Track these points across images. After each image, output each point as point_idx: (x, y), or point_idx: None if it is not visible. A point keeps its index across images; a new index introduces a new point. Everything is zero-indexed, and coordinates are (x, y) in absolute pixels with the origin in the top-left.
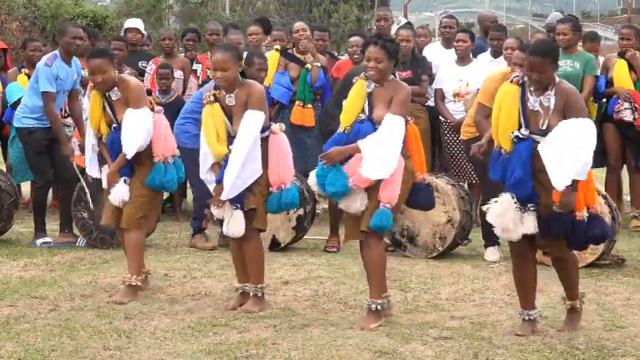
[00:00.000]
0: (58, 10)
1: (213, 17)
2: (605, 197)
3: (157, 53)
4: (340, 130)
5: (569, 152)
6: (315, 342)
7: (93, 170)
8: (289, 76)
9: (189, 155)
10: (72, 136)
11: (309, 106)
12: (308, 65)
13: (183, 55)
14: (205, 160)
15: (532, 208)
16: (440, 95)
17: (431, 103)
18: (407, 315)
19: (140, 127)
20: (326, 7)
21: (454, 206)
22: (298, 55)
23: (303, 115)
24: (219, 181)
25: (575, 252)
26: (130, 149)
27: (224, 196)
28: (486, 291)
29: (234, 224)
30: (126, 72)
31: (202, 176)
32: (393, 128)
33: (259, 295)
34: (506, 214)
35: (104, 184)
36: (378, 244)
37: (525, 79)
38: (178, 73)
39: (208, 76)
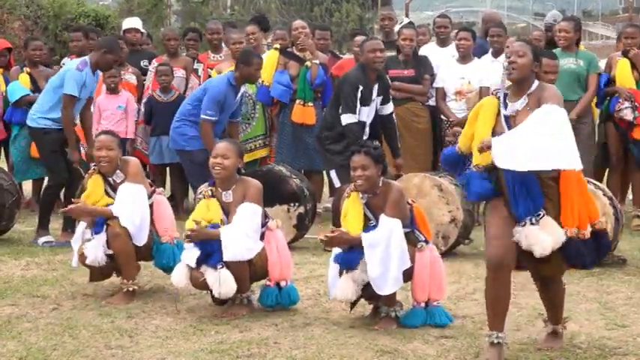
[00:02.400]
0: (61, 9)
1: (215, 16)
2: (610, 199)
3: (158, 52)
4: None
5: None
6: (317, 341)
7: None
8: (289, 74)
9: (188, 157)
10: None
11: (310, 104)
12: (307, 63)
13: (185, 54)
14: None
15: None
16: (441, 94)
17: (432, 102)
18: None
19: (137, 203)
20: (327, 6)
21: (458, 205)
22: (298, 53)
23: (304, 113)
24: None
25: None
26: (123, 218)
27: (226, 257)
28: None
29: (225, 285)
30: (129, 71)
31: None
32: (389, 231)
33: (244, 303)
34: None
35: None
36: None
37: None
38: (181, 72)
39: (209, 76)
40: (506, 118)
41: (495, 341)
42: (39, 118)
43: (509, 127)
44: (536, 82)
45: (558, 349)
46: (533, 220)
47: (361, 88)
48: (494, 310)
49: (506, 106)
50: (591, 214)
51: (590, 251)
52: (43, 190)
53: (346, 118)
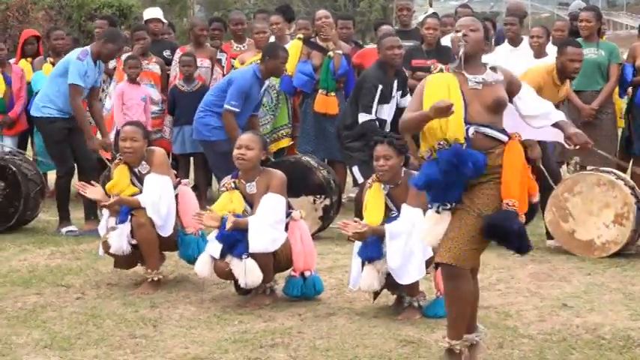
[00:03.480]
0: None
1: (238, 6)
2: (632, 188)
3: (180, 42)
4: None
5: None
6: (340, 331)
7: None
8: (312, 64)
9: (212, 147)
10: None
11: (333, 94)
12: (330, 53)
13: (209, 44)
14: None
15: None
16: None
17: None
18: None
19: (162, 194)
20: None
21: None
22: (321, 43)
23: (327, 103)
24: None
25: (596, 241)
26: (149, 209)
27: (252, 248)
28: (511, 280)
29: (251, 275)
30: (152, 61)
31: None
32: (411, 221)
33: (267, 293)
34: None
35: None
36: None
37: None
38: (207, 63)
39: (232, 66)
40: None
41: (474, 342)
42: (43, 107)
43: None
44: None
45: (584, 339)
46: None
47: (381, 87)
48: (469, 311)
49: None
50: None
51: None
52: (55, 181)
53: (363, 117)
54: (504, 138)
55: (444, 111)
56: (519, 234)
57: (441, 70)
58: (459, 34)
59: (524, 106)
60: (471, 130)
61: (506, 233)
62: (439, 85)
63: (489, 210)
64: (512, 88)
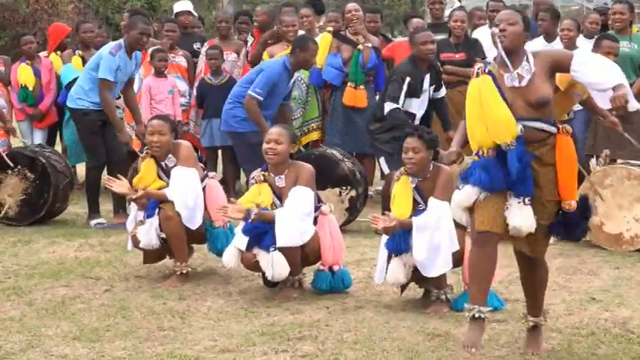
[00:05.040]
0: None
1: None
2: None
3: (209, 35)
4: None
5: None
6: (368, 324)
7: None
8: (342, 57)
9: (240, 139)
10: (123, 119)
11: (362, 87)
12: (360, 46)
13: (236, 37)
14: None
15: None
16: None
17: None
18: None
19: (189, 187)
20: None
21: None
22: (350, 37)
23: (355, 96)
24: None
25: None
26: (176, 202)
27: (280, 243)
28: None
29: (278, 267)
30: (179, 54)
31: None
32: (438, 214)
33: (295, 285)
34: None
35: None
36: None
37: (489, 67)
38: (233, 56)
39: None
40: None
41: (477, 315)
42: (78, 99)
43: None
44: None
45: (613, 332)
46: (526, 201)
47: (408, 79)
48: (479, 283)
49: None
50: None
51: (579, 221)
52: (85, 173)
53: (388, 106)
54: (554, 130)
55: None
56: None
57: (478, 75)
58: (496, 30)
59: (583, 77)
60: (519, 126)
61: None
62: (472, 96)
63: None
64: (561, 65)
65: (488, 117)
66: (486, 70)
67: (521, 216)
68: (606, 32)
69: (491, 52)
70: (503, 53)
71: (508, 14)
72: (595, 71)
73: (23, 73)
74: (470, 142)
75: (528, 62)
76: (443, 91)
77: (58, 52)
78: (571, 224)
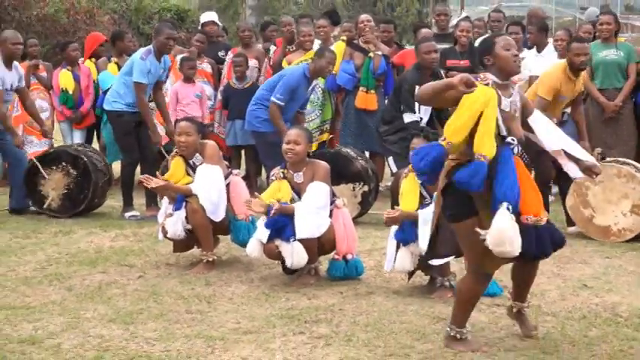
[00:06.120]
0: (140, 3)
1: (285, 11)
2: None
3: (233, 44)
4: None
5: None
6: (379, 308)
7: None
8: (354, 64)
9: (261, 137)
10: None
11: (372, 91)
12: (370, 54)
13: (261, 45)
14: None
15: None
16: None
17: None
18: None
19: (213, 182)
20: (389, 1)
21: None
22: (363, 45)
23: (367, 99)
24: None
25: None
26: (201, 196)
27: (299, 235)
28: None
29: (297, 256)
30: (205, 61)
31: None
32: None
33: (312, 273)
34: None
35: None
36: None
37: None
38: (253, 62)
39: (278, 58)
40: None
41: (461, 337)
42: (113, 102)
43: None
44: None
45: (603, 316)
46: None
47: (418, 87)
48: (468, 310)
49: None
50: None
51: (547, 238)
52: (120, 170)
53: (407, 117)
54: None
55: (469, 85)
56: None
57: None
58: (512, 55)
59: (537, 127)
60: (516, 148)
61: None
62: (476, 100)
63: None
64: (526, 111)
65: (483, 127)
66: (491, 85)
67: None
68: (576, 35)
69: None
70: (512, 78)
71: (515, 45)
72: (542, 131)
73: (64, 78)
74: (450, 132)
75: (514, 92)
76: None
77: (93, 60)
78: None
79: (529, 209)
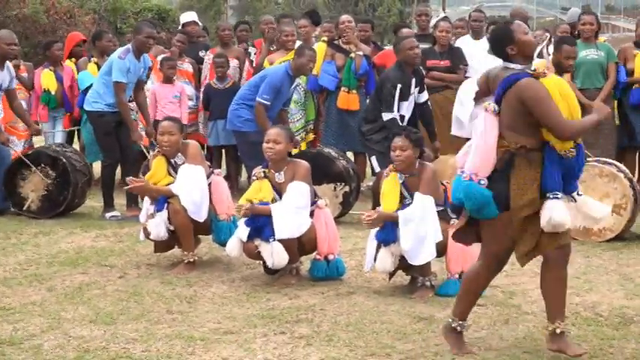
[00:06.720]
0: (116, 4)
1: (266, 11)
2: (630, 180)
3: (214, 44)
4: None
5: None
6: (360, 308)
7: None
8: (336, 64)
9: (243, 137)
10: (137, 119)
11: (354, 91)
12: (352, 54)
13: (237, 45)
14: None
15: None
16: None
17: None
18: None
19: (196, 182)
20: (371, 2)
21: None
22: (344, 46)
23: (348, 100)
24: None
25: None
26: (183, 197)
27: (279, 235)
28: (516, 262)
29: (277, 256)
30: (185, 61)
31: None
32: (423, 207)
33: (293, 273)
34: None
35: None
36: None
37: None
38: (234, 62)
39: (260, 61)
40: None
41: (459, 329)
42: (94, 102)
43: None
44: None
45: (583, 315)
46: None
47: (400, 86)
48: (472, 300)
49: None
50: None
51: None
52: (101, 170)
53: (386, 116)
54: None
55: (608, 116)
56: None
57: (544, 74)
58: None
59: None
60: None
61: None
62: (562, 86)
63: None
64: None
65: (575, 113)
66: (534, 73)
67: (564, 211)
68: (565, 36)
69: (476, 57)
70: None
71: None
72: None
73: (46, 78)
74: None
75: None
76: (425, 95)
77: (73, 59)
78: None
79: None
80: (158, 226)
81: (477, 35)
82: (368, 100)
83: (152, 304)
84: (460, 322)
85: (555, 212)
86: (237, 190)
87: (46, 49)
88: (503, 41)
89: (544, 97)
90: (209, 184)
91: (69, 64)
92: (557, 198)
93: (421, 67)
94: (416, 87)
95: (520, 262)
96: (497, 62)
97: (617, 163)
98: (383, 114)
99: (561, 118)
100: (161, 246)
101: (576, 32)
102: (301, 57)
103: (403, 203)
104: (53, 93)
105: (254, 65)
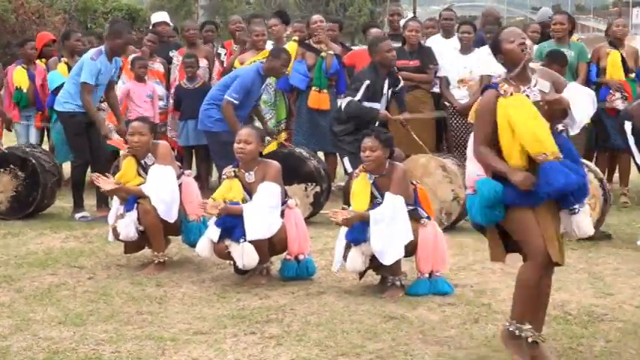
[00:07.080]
0: (86, 4)
1: (237, 11)
2: (600, 180)
3: (184, 43)
4: None
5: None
6: (330, 307)
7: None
8: (306, 64)
9: (214, 137)
10: (105, 119)
11: (325, 91)
12: (323, 54)
13: (202, 44)
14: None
15: None
16: (445, 82)
17: (436, 89)
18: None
19: (166, 183)
20: (342, 1)
21: (460, 185)
22: (315, 45)
23: (319, 99)
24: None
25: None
26: (153, 197)
27: (249, 236)
28: (487, 261)
29: (248, 257)
30: (157, 61)
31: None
32: (393, 207)
33: (263, 273)
34: None
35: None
36: None
37: (502, 85)
38: (204, 62)
39: (231, 62)
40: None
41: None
42: (65, 102)
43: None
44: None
45: (552, 314)
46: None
47: (367, 82)
48: (529, 301)
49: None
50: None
51: None
52: (70, 170)
53: (344, 101)
54: None
55: (527, 186)
56: None
57: (511, 94)
58: (517, 45)
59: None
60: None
61: None
62: (525, 106)
63: None
64: (558, 89)
65: (534, 129)
66: (498, 89)
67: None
68: (554, 50)
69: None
70: (527, 67)
71: (521, 32)
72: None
73: (18, 76)
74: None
75: (537, 79)
76: (401, 84)
77: (43, 59)
78: None
79: None
80: (128, 226)
81: (447, 34)
82: (339, 100)
83: (122, 305)
84: (518, 325)
85: (582, 224)
86: (207, 190)
87: (21, 47)
88: (494, 50)
89: (480, 115)
90: (179, 185)
91: (40, 63)
92: (575, 213)
93: (395, 68)
94: (389, 88)
95: (561, 260)
96: (468, 61)
97: (587, 162)
98: (341, 100)
99: (478, 139)
100: (131, 247)
101: (548, 31)
102: (276, 59)
103: (374, 203)
104: (25, 91)
105: (225, 66)
